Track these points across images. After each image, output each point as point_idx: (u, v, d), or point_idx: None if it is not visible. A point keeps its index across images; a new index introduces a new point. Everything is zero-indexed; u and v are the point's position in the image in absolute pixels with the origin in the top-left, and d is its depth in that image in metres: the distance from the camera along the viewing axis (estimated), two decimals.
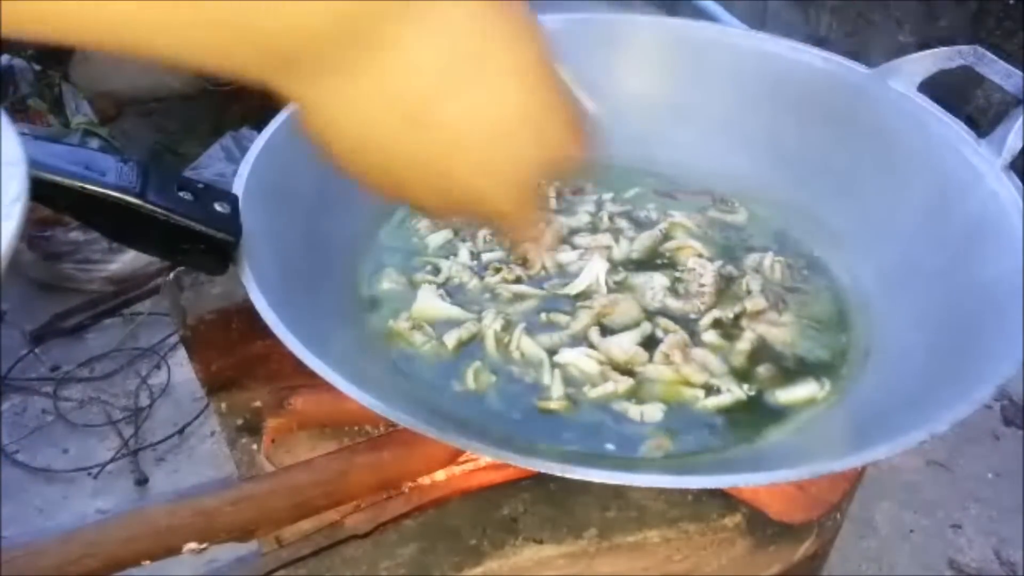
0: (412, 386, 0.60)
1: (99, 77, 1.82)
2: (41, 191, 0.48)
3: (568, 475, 0.45)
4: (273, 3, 0.29)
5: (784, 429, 0.58)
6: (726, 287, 0.67)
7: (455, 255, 0.70)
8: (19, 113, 1.52)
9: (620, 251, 0.70)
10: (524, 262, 0.68)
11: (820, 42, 0.78)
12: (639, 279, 0.67)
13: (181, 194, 0.52)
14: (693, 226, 0.73)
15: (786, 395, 0.60)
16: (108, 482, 1.26)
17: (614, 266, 0.68)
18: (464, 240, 0.71)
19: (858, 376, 0.61)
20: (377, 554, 0.58)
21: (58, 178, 0.48)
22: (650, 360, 0.62)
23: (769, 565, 0.62)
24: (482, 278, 0.68)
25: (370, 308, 0.65)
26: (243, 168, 0.60)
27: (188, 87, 1.89)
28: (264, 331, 0.49)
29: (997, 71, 0.65)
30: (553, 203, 0.75)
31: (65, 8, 0.27)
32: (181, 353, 1.35)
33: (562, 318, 0.64)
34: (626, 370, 0.61)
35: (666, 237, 0.72)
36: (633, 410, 0.58)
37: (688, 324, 0.64)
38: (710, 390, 0.60)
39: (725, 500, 0.61)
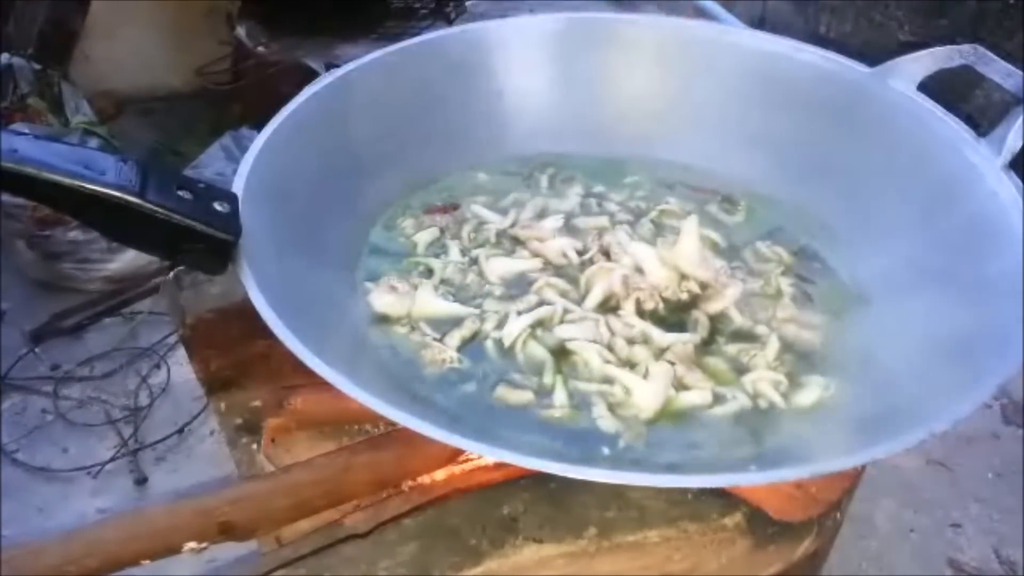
0: (411, 385, 0.59)
1: (99, 76, 1.82)
2: (41, 190, 0.48)
3: (568, 475, 0.45)
4: None
5: (786, 429, 0.58)
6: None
7: (446, 253, 0.69)
8: (18, 112, 1.52)
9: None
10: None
11: (820, 41, 0.78)
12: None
13: (180, 193, 0.52)
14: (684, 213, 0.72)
15: (794, 400, 0.59)
16: (108, 481, 1.26)
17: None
18: (452, 238, 0.71)
19: (859, 375, 0.61)
20: (376, 553, 0.58)
21: (57, 177, 0.48)
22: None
23: (769, 564, 0.62)
24: (475, 262, 0.68)
25: (370, 308, 0.65)
26: (243, 167, 0.60)
27: (188, 86, 1.89)
28: (263, 330, 0.49)
29: (997, 70, 0.65)
30: (544, 187, 0.76)
31: None
32: (180, 352, 1.35)
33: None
34: (629, 364, 0.60)
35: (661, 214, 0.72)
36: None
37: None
38: (717, 398, 0.59)
39: (725, 499, 0.61)
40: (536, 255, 0.69)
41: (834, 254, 0.70)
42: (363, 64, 0.73)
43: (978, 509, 1.22)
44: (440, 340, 0.62)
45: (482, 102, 0.78)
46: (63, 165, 0.48)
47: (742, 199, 0.75)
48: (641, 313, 0.64)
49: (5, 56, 1.57)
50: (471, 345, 0.62)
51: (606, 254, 0.68)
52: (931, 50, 0.70)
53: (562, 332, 0.62)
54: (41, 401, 1.37)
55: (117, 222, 0.51)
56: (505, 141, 0.78)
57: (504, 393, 0.58)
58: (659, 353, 0.61)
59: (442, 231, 0.71)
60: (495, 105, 0.78)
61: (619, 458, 0.55)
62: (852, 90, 0.72)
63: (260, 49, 1.66)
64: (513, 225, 0.72)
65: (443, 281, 0.67)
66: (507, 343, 0.61)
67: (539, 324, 0.63)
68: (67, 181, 0.48)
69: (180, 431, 1.31)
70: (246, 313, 0.51)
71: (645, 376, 0.59)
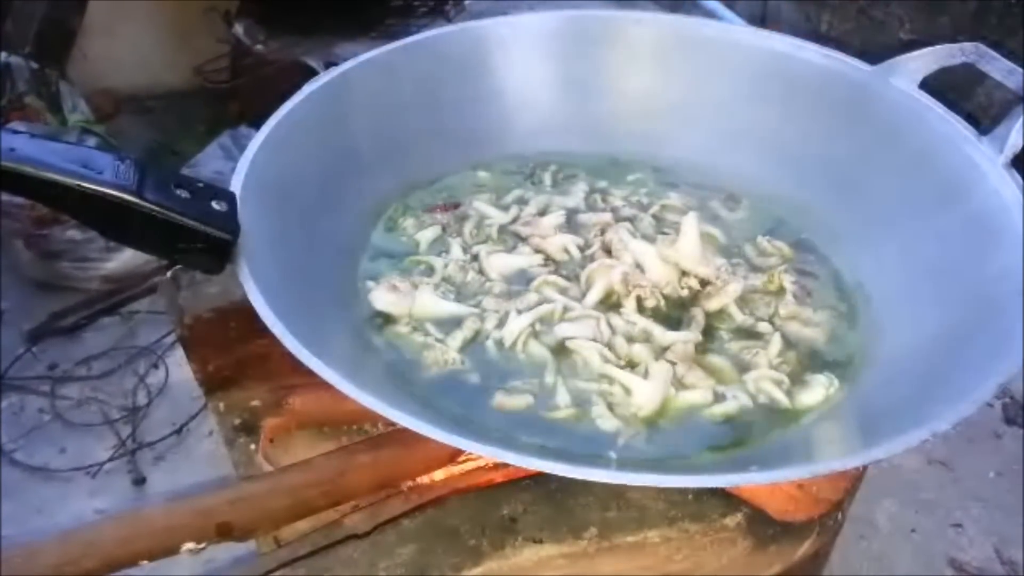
0: (411, 385, 0.59)
1: (96, 75, 1.82)
2: (38, 189, 0.48)
3: (569, 475, 0.45)
4: None
5: (787, 429, 0.58)
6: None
7: (447, 252, 0.69)
8: (16, 111, 1.52)
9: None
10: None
11: (821, 39, 0.77)
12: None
13: (178, 192, 0.52)
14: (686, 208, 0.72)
15: (798, 399, 0.59)
16: (106, 481, 1.25)
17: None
18: (453, 236, 0.70)
19: (860, 374, 0.61)
20: (376, 554, 0.58)
21: (55, 176, 0.48)
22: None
23: (770, 565, 0.62)
24: (476, 259, 0.67)
25: (369, 307, 0.65)
26: (241, 166, 0.60)
27: (186, 85, 1.89)
28: (262, 330, 0.49)
29: (999, 68, 0.65)
30: (548, 184, 0.75)
31: None
32: (179, 352, 1.34)
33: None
34: (630, 363, 0.60)
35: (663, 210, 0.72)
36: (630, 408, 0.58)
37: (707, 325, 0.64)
38: (717, 397, 0.59)
39: (725, 500, 0.61)
40: (538, 251, 0.69)
41: (835, 252, 0.70)
42: (362, 62, 0.73)
43: (979, 509, 1.21)
44: (442, 341, 0.61)
45: (482, 100, 0.77)
46: (61, 164, 0.48)
47: (744, 196, 0.75)
48: (642, 310, 0.64)
49: (3, 55, 1.57)
50: (472, 345, 0.62)
51: (608, 250, 0.68)
52: (932, 48, 0.70)
53: (562, 331, 0.62)
54: (39, 401, 1.37)
55: (115, 221, 0.51)
56: (506, 140, 0.78)
57: (502, 401, 0.58)
58: (660, 351, 0.61)
59: (444, 229, 0.71)
60: (495, 103, 0.78)
61: (620, 458, 0.55)
62: (854, 88, 0.72)
63: (258, 47, 1.66)
64: (515, 221, 0.72)
65: (444, 279, 0.67)
66: (508, 343, 0.61)
67: (539, 322, 0.62)
68: (65, 180, 0.48)
69: (178, 431, 1.31)
70: (244, 312, 0.51)
71: (645, 375, 0.59)
